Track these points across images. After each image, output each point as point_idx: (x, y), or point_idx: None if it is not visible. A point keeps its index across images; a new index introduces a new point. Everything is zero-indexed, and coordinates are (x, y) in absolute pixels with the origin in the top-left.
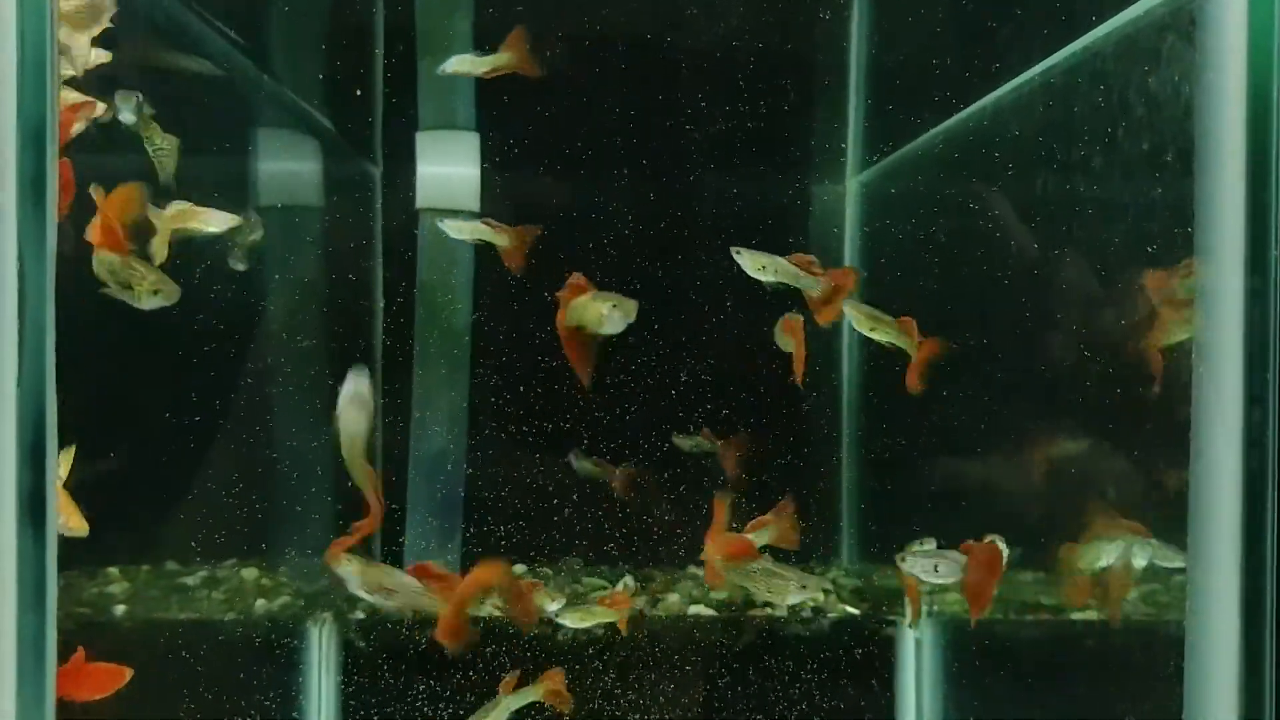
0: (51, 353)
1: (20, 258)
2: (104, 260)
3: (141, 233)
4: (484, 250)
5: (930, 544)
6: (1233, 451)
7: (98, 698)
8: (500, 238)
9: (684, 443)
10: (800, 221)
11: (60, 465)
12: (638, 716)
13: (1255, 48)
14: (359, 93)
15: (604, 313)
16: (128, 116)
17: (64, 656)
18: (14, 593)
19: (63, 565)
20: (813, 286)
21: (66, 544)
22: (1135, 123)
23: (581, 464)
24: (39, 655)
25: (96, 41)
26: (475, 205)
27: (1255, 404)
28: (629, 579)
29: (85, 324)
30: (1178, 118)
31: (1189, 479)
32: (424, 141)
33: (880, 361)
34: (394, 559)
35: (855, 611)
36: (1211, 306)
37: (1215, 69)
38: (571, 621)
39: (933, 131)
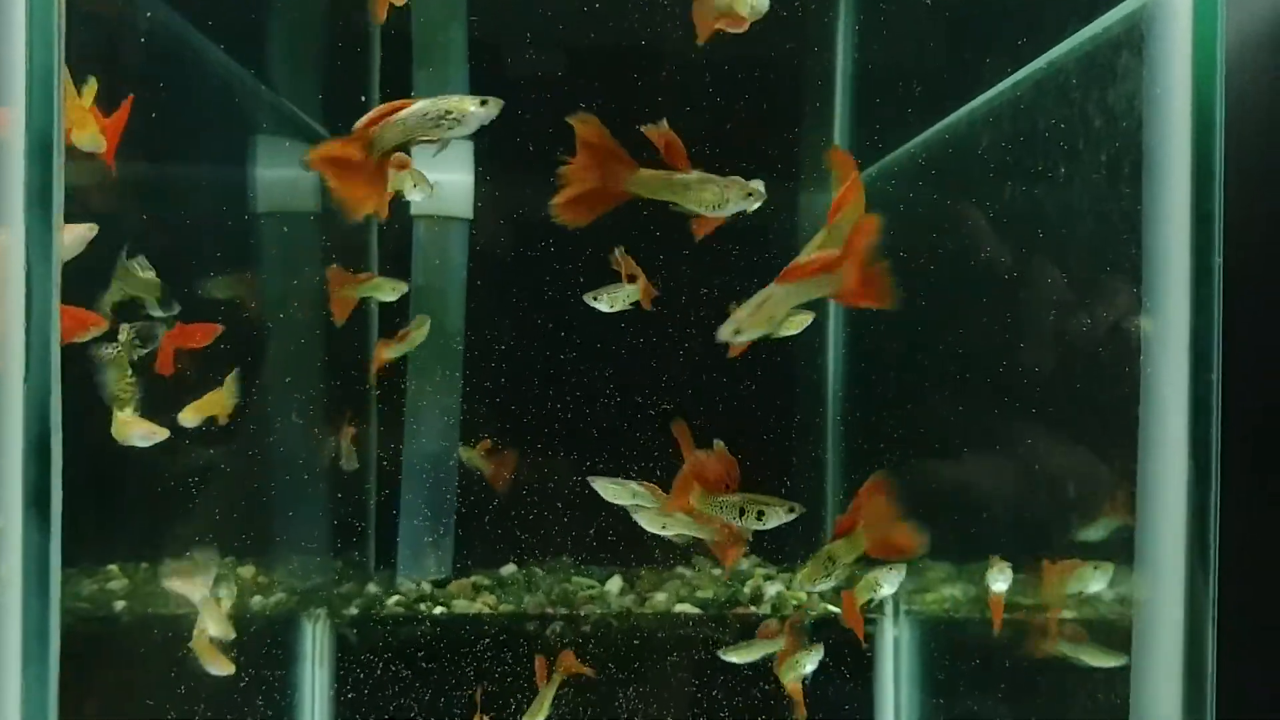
0: (56, 353)
1: (27, 263)
2: None
3: None
4: (476, 255)
5: None
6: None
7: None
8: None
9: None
10: (787, 227)
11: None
12: (623, 709)
13: (1199, 61)
14: (357, 101)
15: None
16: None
17: None
18: (19, 582)
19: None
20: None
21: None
22: (1093, 135)
23: (468, 455)
24: (43, 642)
25: None
26: (469, 212)
27: (1200, 410)
28: (617, 578)
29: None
30: (1132, 130)
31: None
32: (419, 149)
33: (868, 367)
34: (388, 559)
35: (836, 610)
36: (1158, 315)
37: (1162, 83)
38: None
39: (912, 142)
